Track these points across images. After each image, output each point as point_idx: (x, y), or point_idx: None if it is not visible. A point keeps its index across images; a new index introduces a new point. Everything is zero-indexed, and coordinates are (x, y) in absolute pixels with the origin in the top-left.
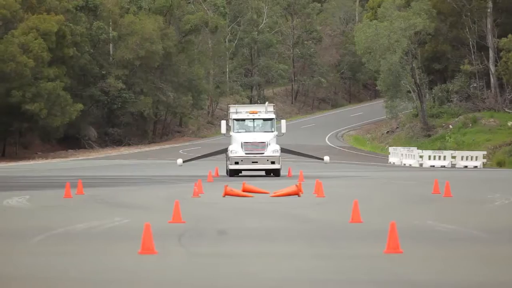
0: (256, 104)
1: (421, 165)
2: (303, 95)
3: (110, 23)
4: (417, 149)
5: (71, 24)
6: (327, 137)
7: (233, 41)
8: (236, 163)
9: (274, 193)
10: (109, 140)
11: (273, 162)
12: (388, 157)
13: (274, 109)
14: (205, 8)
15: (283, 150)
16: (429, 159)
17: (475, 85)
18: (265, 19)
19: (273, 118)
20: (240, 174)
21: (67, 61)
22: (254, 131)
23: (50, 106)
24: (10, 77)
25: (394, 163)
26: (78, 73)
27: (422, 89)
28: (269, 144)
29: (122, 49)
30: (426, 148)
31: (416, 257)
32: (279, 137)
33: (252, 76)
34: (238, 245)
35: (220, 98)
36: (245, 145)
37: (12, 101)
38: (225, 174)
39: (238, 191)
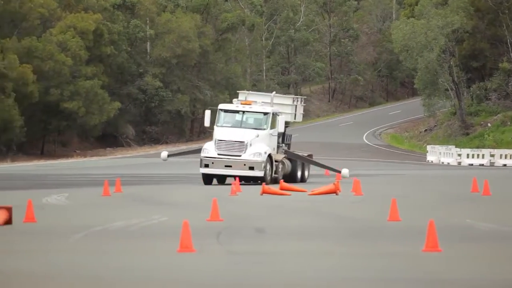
0: (263, 93)
1: (459, 163)
2: (340, 93)
3: (147, 21)
4: (455, 147)
5: (108, 23)
6: (364, 135)
7: (269, 39)
8: (206, 165)
9: (312, 191)
10: (146, 138)
11: (251, 168)
12: (426, 155)
13: (294, 102)
14: (242, 6)
15: (294, 156)
16: (468, 157)
17: None
18: (302, 17)
19: (268, 113)
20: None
21: (105, 60)
22: (241, 127)
23: (88, 104)
24: (48, 75)
25: (432, 161)
26: (116, 72)
27: (460, 87)
28: (250, 144)
29: (159, 47)
30: (464, 147)
31: (455, 255)
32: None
33: (289, 74)
34: (276, 243)
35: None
36: (218, 143)
37: (51, 100)
38: None
39: (276, 189)
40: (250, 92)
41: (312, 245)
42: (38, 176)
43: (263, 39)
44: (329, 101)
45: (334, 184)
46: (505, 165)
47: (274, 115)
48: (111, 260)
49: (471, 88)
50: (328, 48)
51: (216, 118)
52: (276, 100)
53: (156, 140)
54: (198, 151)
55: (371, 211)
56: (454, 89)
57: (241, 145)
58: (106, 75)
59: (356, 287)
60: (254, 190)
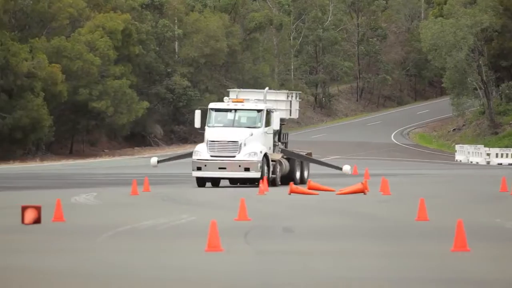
0: (256, 90)
1: (488, 162)
2: (368, 93)
3: (176, 21)
4: (484, 146)
5: (137, 22)
6: (392, 135)
7: (297, 38)
8: (199, 168)
9: (340, 190)
10: (175, 137)
11: (247, 169)
12: (454, 155)
13: (289, 98)
14: (270, 5)
15: (294, 155)
16: (497, 156)
17: None
18: (330, 17)
19: (261, 110)
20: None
21: (133, 59)
22: (233, 126)
23: (117, 104)
24: (77, 75)
25: (460, 161)
26: (144, 71)
27: (489, 86)
28: (245, 144)
29: (187, 47)
30: (493, 146)
31: (484, 255)
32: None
33: (317, 73)
34: (304, 242)
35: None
36: (210, 144)
37: (79, 99)
38: None
39: (304, 188)
40: (241, 90)
41: (340, 244)
42: (66, 175)
43: (291, 38)
44: (357, 101)
45: (362, 183)
46: None
47: (268, 112)
48: (139, 260)
49: (500, 87)
50: (356, 48)
51: (207, 118)
52: (269, 97)
53: (184, 140)
54: (190, 154)
55: (399, 211)
56: (483, 88)
57: (235, 145)
58: (134, 74)
59: (384, 287)
60: (282, 189)
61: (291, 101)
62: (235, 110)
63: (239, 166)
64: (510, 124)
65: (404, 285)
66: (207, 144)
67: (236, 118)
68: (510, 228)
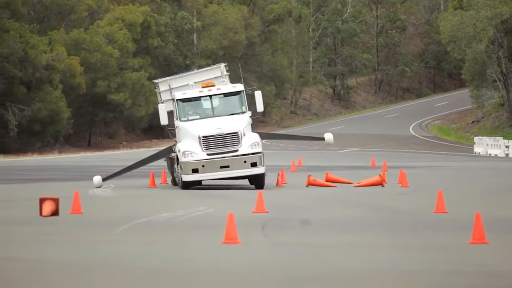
0: (199, 70)
1: (507, 155)
2: (387, 85)
3: (194, 13)
4: (503, 139)
5: (155, 15)
6: (411, 127)
7: (316, 30)
8: (195, 171)
9: (358, 183)
10: None
11: (254, 164)
12: (473, 147)
13: (223, 72)
14: None
15: (270, 136)
16: None
17: None
18: (349, 9)
19: (241, 91)
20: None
21: (152, 52)
22: (214, 115)
23: (135, 96)
24: (95, 67)
25: (479, 153)
26: (162, 63)
27: (508, 78)
28: (244, 134)
29: (206, 39)
30: None
31: (502, 248)
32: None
33: (336, 65)
34: (321, 235)
35: (304, 88)
36: (205, 141)
37: (98, 91)
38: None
39: (322, 181)
40: (173, 77)
41: (358, 237)
42: (85, 167)
43: (310, 30)
44: (375, 93)
45: (380, 175)
46: None
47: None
48: (157, 251)
49: None
50: (375, 40)
51: (175, 113)
52: (213, 74)
53: None
54: (140, 164)
55: (417, 203)
56: (502, 80)
57: (235, 137)
58: (153, 67)
59: (403, 279)
60: (300, 181)
61: (228, 75)
62: (210, 96)
63: (245, 161)
64: None
65: (421, 277)
66: (199, 142)
67: (214, 105)
68: None
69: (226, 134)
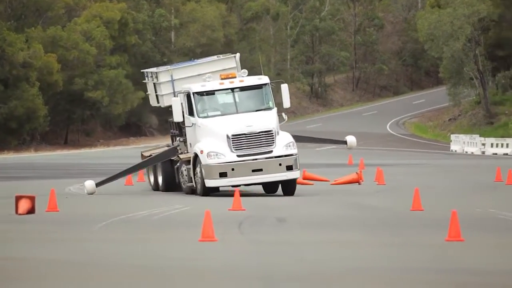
0: (208, 58)
1: (483, 152)
2: (364, 83)
3: (172, 11)
4: (480, 136)
5: (133, 12)
6: (388, 125)
7: (294, 28)
8: (224, 175)
9: (335, 180)
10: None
11: (289, 168)
12: (449, 144)
13: (238, 61)
14: None
15: (299, 139)
16: (492, 146)
17: None
18: (327, 7)
19: (267, 84)
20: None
21: (129, 49)
22: (237, 112)
23: (112, 94)
24: (73, 64)
25: (456, 150)
26: (140, 61)
27: (485, 76)
28: (278, 133)
29: (184, 37)
30: (489, 136)
31: (478, 245)
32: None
33: (313, 63)
34: (298, 233)
35: (281, 86)
36: (235, 140)
37: (75, 89)
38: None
39: (299, 178)
40: (175, 66)
41: (335, 234)
42: (61, 165)
43: (288, 28)
44: (353, 90)
45: (357, 173)
46: None
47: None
48: (134, 249)
49: (496, 77)
50: (353, 37)
51: (193, 107)
52: (225, 64)
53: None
54: (139, 167)
55: (394, 201)
56: (479, 78)
57: (269, 136)
58: (130, 64)
59: (379, 277)
60: None
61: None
62: (232, 89)
63: (280, 164)
64: (506, 114)
65: (399, 274)
66: (228, 141)
67: (238, 100)
68: (504, 218)
69: (259, 132)
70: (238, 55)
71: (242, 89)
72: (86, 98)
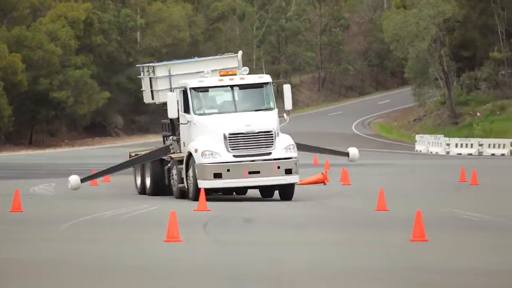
0: (210, 57)
1: (448, 153)
2: (330, 83)
3: (138, 11)
4: (444, 136)
5: (99, 12)
6: (353, 125)
7: (260, 28)
8: (218, 176)
9: (301, 181)
10: (135, 128)
11: (288, 171)
12: (414, 145)
13: (240, 60)
14: None
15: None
16: (456, 147)
17: (503, 72)
18: (293, 7)
19: (268, 83)
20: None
21: (95, 49)
22: (236, 110)
23: (77, 94)
24: (37, 64)
25: (420, 151)
26: (105, 61)
27: (450, 76)
28: (278, 134)
29: (150, 37)
30: (453, 136)
31: (442, 245)
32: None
33: (279, 63)
34: (264, 233)
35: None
36: (232, 139)
37: (40, 89)
38: (139, 190)
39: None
40: (174, 61)
41: (300, 234)
42: (25, 165)
43: (254, 28)
44: (318, 91)
45: (322, 173)
46: (493, 154)
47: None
48: (99, 249)
49: (461, 78)
50: (319, 38)
51: (188, 105)
52: (227, 63)
53: (145, 130)
54: (128, 164)
55: (359, 201)
56: (444, 78)
57: (269, 137)
58: (95, 64)
59: (344, 277)
60: None
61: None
62: (232, 87)
63: (278, 167)
64: (470, 114)
65: (363, 274)
66: (225, 140)
67: (237, 98)
68: (468, 218)
69: (258, 132)
70: (240, 53)
71: (242, 87)
72: (51, 98)
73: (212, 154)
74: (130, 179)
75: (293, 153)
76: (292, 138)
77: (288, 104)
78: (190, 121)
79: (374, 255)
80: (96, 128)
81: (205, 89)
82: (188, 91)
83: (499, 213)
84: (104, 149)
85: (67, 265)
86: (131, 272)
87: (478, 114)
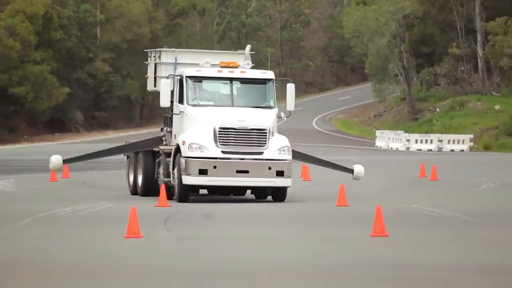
0: (219, 51)
1: (408, 148)
2: (291, 79)
3: (98, 6)
4: (404, 132)
5: (58, 7)
6: (314, 121)
7: (221, 24)
8: (203, 172)
9: None
10: (95, 123)
11: (280, 173)
12: (375, 140)
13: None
14: None
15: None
16: (416, 142)
17: (462, 68)
18: (254, 3)
19: (270, 80)
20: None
21: (54, 44)
22: (232, 105)
23: (37, 90)
24: None
25: (381, 146)
26: (65, 56)
27: (410, 72)
28: (272, 134)
29: (110, 32)
30: (413, 132)
31: (402, 240)
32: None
33: None
34: (224, 229)
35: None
36: (222, 134)
37: None
38: (131, 188)
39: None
40: (183, 49)
41: (261, 230)
42: None
43: (215, 24)
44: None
45: None
46: (452, 150)
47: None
48: (58, 246)
49: (421, 74)
50: (279, 34)
51: (178, 94)
52: (237, 59)
53: (105, 126)
54: (110, 152)
55: (319, 197)
56: (404, 74)
57: (262, 136)
58: (55, 60)
59: (303, 272)
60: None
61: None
62: (231, 80)
63: (269, 168)
64: (430, 110)
65: (324, 270)
66: (214, 134)
67: (235, 92)
68: (427, 214)
69: (251, 129)
70: (248, 47)
71: (242, 81)
72: (10, 93)
73: (200, 147)
74: (90, 174)
75: (287, 156)
76: (289, 142)
77: (290, 104)
78: (183, 112)
79: (334, 251)
80: (56, 124)
81: (201, 79)
82: (184, 80)
83: (458, 208)
84: (64, 146)
85: (23, 264)
86: (90, 269)
87: (437, 110)
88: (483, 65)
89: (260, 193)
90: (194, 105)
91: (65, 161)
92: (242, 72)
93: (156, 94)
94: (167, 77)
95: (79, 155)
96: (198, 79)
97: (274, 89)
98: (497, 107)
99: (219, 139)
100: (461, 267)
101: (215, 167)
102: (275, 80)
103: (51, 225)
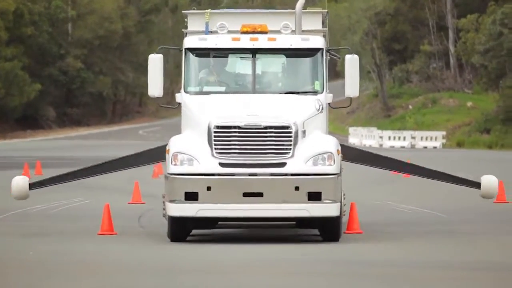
0: (255, 10)
1: (381, 145)
2: None
3: (69, 2)
4: (377, 129)
5: (29, 3)
6: None
7: None
8: (192, 197)
9: None
10: (67, 120)
11: (315, 197)
12: (348, 137)
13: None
14: None
15: (376, 161)
16: (389, 139)
17: (434, 65)
18: None
19: (320, 50)
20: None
21: (25, 41)
22: (254, 91)
23: (8, 86)
24: None
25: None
26: (37, 53)
27: (382, 69)
28: (304, 133)
29: (81, 29)
30: (386, 129)
31: (376, 237)
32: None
33: None
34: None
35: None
36: (219, 135)
37: None
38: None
39: None
40: (220, 10)
41: (234, 229)
42: None
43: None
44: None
45: None
46: (425, 147)
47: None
48: (31, 243)
49: (393, 71)
50: None
51: (183, 74)
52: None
53: (77, 122)
54: (84, 172)
55: None
56: (376, 71)
57: (284, 137)
58: (26, 56)
59: (279, 269)
60: None
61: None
62: (254, 52)
63: (296, 188)
64: (403, 107)
65: (298, 266)
66: (209, 136)
67: (260, 71)
68: (401, 210)
69: (265, 128)
70: (301, 1)
71: (272, 52)
72: None
73: (188, 159)
74: (61, 172)
75: (328, 167)
76: (340, 143)
77: (353, 88)
78: (181, 104)
79: (306, 248)
80: (27, 120)
81: (207, 53)
82: (183, 55)
83: (432, 205)
84: (36, 142)
85: None
86: (62, 267)
87: (410, 107)
88: (455, 62)
89: (301, 222)
90: (193, 93)
91: (32, 186)
92: (271, 39)
93: (131, 93)
94: (158, 51)
95: (52, 176)
96: (201, 52)
97: (325, 65)
98: (469, 104)
99: (215, 145)
100: (436, 264)
101: (209, 188)
102: (328, 50)
103: (24, 222)
